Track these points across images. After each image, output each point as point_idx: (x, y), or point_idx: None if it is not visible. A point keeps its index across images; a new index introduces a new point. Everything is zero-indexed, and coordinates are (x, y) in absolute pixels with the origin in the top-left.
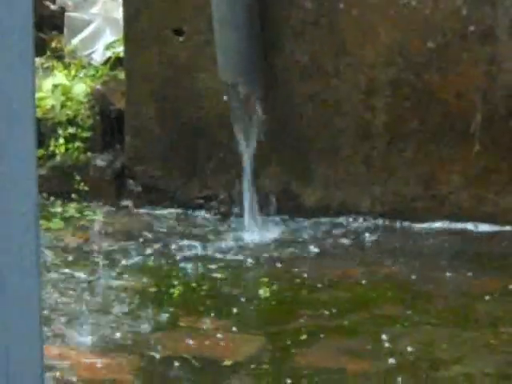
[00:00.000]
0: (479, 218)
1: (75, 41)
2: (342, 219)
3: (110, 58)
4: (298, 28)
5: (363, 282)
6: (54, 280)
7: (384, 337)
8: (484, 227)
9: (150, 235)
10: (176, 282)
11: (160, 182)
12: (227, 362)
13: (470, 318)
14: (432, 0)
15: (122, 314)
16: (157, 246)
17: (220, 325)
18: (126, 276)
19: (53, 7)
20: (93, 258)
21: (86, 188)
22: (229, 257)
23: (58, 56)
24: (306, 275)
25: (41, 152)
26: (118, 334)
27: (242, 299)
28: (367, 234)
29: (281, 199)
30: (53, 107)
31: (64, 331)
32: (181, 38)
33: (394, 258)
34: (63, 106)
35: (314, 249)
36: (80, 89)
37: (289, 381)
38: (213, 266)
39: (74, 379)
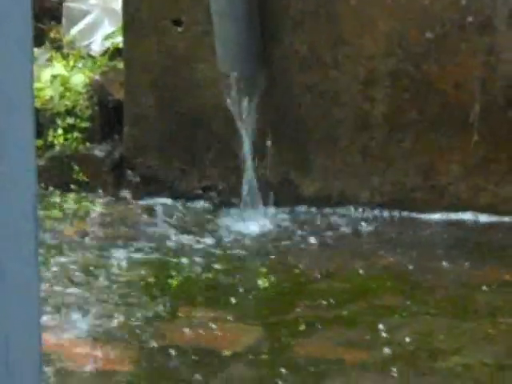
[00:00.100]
0: (478, 208)
1: (74, 31)
2: (340, 209)
3: (108, 48)
4: (297, 18)
5: (362, 272)
6: (49, 270)
7: (382, 327)
8: (483, 217)
9: (148, 226)
10: (174, 273)
11: (159, 173)
12: (226, 353)
13: (468, 309)
14: None
15: (120, 305)
16: (155, 236)
17: (219, 315)
18: (124, 266)
19: None
20: (90, 248)
21: (85, 178)
22: (227, 247)
23: (57, 46)
24: (304, 266)
25: (39, 142)
26: (116, 324)
27: (241, 290)
28: (366, 225)
29: (279, 189)
30: (51, 98)
31: (61, 321)
32: (179, 29)
33: (393, 248)
34: (62, 96)
35: (312, 239)
36: (79, 79)
37: (287, 371)
38: (212, 257)
39: (72, 370)
